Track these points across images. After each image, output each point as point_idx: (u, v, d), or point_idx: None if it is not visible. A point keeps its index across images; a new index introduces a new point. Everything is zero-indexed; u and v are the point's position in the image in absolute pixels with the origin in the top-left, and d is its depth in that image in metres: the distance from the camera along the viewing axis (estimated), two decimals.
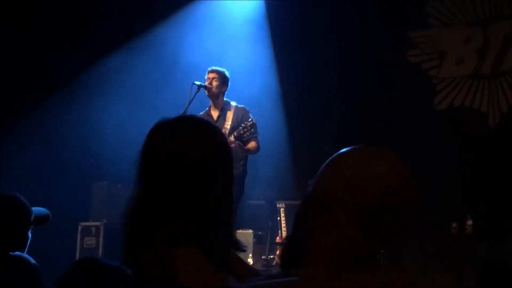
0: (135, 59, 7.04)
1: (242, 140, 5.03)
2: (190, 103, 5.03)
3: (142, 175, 1.49)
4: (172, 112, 1.66)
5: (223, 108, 5.25)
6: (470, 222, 5.99)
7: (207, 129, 1.56)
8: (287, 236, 1.30)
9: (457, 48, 6.75)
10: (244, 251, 1.56)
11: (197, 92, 5.09)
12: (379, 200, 1.18)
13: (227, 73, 5.26)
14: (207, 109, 5.35)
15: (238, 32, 6.97)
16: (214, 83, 5.17)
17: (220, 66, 5.32)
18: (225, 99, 5.31)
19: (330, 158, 1.28)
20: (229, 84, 5.27)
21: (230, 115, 5.19)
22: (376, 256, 1.20)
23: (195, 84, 5.13)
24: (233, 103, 5.31)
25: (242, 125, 4.96)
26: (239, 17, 7.02)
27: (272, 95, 7.06)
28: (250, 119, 5.02)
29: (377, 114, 6.61)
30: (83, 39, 6.93)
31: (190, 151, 1.47)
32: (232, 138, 4.89)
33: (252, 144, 5.13)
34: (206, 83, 5.17)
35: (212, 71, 5.22)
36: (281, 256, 1.29)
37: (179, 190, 1.45)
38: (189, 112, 4.87)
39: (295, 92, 7.06)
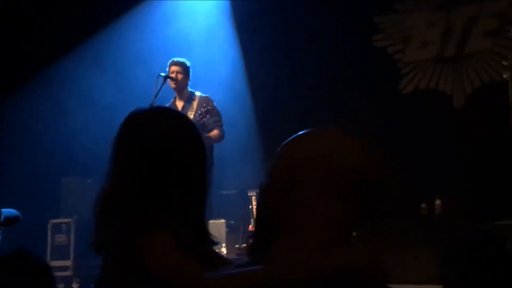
0: (100, 52, 7.01)
1: (206, 129, 5.06)
2: (156, 95, 5.03)
3: (116, 162, 1.53)
4: (138, 105, 1.69)
5: (188, 99, 5.28)
6: (438, 202, 6.13)
7: (180, 117, 1.62)
8: (252, 231, 1.30)
9: (421, 32, 6.84)
10: (215, 244, 1.60)
11: (163, 84, 5.10)
12: (347, 172, 1.19)
13: (188, 63, 5.28)
14: (172, 100, 5.36)
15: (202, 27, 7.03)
16: (179, 76, 5.19)
17: (182, 57, 5.35)
18: (189, 89, 5.33)
19: (286, 142, 1.28)
20: (190, 73, 5.30)
21: (194, 105, 5.22)
22: (348, 235, 1.21)
23: (161, 75, 5.13)
24: (197, 93, 5.34)
25: (199, 111, 4.99)
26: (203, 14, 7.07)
27: (239, 82, 7.09)
28: (205, 106, 5.04)
29: (344, 99, 6.67)
30: (51, 31, 6.87)
31: (165, 137, 1.53)
32: None
33: (214, 132, 5.17)
34: (172, 73, 5.19)
35: (175, 64, 5.23)
36: (249, 248, 1.29)
37: (153, 176, 1.48)
38: (155, 104, 4.88)
39: (262, 79, 7.08)
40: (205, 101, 5.24)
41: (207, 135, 5.06)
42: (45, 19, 6.87)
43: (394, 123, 6.50)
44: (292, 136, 1.29)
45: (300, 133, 1.29)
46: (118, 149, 1.54)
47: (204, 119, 4.99)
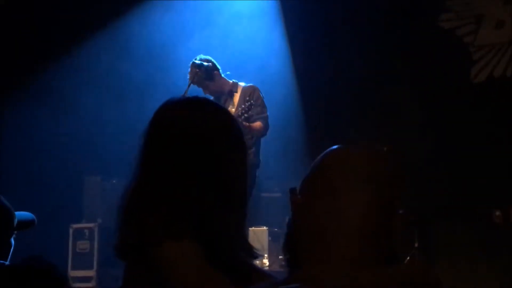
0: (125, 46, 7.17)
1: (248, 120, 5.03)
2: (190, 84, 5.04)
3: (145, 157, 1.51)
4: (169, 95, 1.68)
5: (230, 91, 5.26)
6: None
7: (218, 109, 1.59)
8: (287, 235, 1.32)
9: (497, 9, 6.71)
10: (256, 258, 1.58)
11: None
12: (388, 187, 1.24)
13: (205, 61, 5.20)
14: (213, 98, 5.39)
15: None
16: (206, 84, 5.13)
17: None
18: (232, 80, 5.30)
19: (320, 158, 1.34)
20: (216, 66, 5.23)
21: (236, 97, 5.21)
22: (387, 248, 1.23)
23: (195, 62, 5.16)
24: (241, 84, 5.33)
25: (242, 105, 4.97)
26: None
27: (287, 78, 7.11)
28: (249, 99, 5.01)
29: (405, 90, 6.59)
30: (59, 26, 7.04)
31: (201, 131, 1.50)
32: None
33: (256, 124, 5.13)
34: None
35: (190, 71, 5.16)
36: (287, 261, 1.31)
37: (185, 175, 1.46)
38: (189, 93, 4.92)
39: (311, 74, 7.08)
40: (248, 90, 5.22)
41: (248, 124, 5.00)
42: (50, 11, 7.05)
43: (464, 118, 6.39)
44: (330, 149, 1.35)
45: (331, 149, 1.35)
46: (148, 143, 1.52)
47: (246, 114, 4.96)
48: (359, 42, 6.91)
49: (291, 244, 1.29)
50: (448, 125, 6.34)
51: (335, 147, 1.35)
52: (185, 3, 7.19)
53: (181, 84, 5.25)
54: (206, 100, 1.62)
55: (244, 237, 1.57)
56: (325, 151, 1.34)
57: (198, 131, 1.50)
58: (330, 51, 7.05)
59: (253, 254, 1.59)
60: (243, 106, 4.97)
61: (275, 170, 6.65)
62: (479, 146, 6.26)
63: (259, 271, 1.70)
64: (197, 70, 5.11)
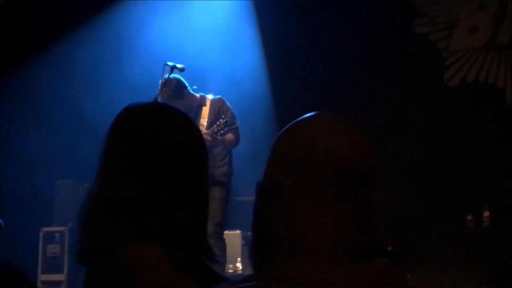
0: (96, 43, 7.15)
1: (219, 133, 5.12)
2: (157, 97, 5.06)
3: (105, 161, 1.53)
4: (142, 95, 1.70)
5: (198, 106, 5.32)
6: (487, 214, 6.07)
7: (181, 117, 1.61)
8: (252, 240, 1.29)
9: (470, 15, 6.80)
10: (216, 262, 1.60)
11: (169, 74, 5.11)
12: (349, 167, 1.20)
13: (174, 78, 5.19)
14: None
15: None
16: (176, 101, 5.11)
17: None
18: (199, 94, 5.35)
19: (281, 134, 1.30)
20: (184, 84, 5.25)
21: (206, 111, 5.29)
22: (361, 246, 1.20)
23: (167, 65, 5.15)
24: (209, 97, 5.39)
25: (217, 122, 5.05)
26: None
27: (259, 81, 7.13)
28: (223, 117, 5.10)
29: (378, 95, 6.63)
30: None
31: (161, 135, 1.52)
32: (206, 133, 4.97)
33: (228, 136, 5.23)
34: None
35: (160, 90, 5.13)
36: (252, 262, 1.29)
37: (146, 179, 1.48)
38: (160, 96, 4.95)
39: (285, 75, 7.10)
40: (217, 104, 5.30)
41: (221, 137, 5.12)
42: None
43: (437, 121, 6.47)
44: (287, 127, 1.30)
45: (295, 122, 1.30)
46: (108, 147, 1.54)
47: (222, 131, 5.05)
48: (334, 45, 6.94)
49: (257, 246, 1.28)
50: (421, 126, 6.39)
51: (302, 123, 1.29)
52: (158, 3, 7.19)
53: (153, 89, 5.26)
54: (165, 105, 1.65)
55: (204, 240, 1.59)
56: (288, 134, 1.29)
57: (157, 135, 1.53)
58: (303, 51, 7.07)
59: (213, 257, 1.61)
60: (218, 122, 5.05)
61: (247, 173, 6.66)
62: (452, 149, 6.33)
63: (219, 275, 1.72)
64: (166, 89, 5.16)
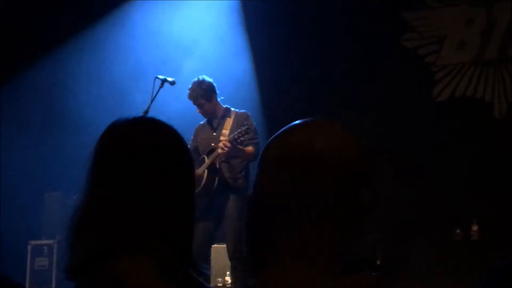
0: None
1: (241, 145, 5.14)
2: (153, 100, 5.07)
3: (92, 175, 1.56)
4: (134, 111, 1.73)
5: (223, 116, 5.35)
6: (475, 228, 6.10)
7: (166, 128, 1.65)
8: (246, 251, 1.30)
9: (458, 30, 6.83)
10: (203, 273, 1.62)
11: (160, 87, 5.13)
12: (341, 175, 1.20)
13: (207, 81, 5.32)
14: (204, 121, 5.46)
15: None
16: (202, 102, 5.25)
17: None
18: (225, 106, 5.40)
19: (271, 141, 1.29)
20: (214, 89, 5.35)
21: (229, 122, 5.32)
22: (347, 257, 1.22)
23: (158, 78, 5.17)
24: (234, 110, 5.42)
25: (238, 130, 5.06)
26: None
27: (250, 86, 7.15)
28: (245, 124, 5.16)
29: (368, 108, 6.65)
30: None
31: (147, 150, 1.56)
32: (226, 141, 5.00)
33: (249, 149, 5.22)
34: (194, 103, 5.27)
35: (191, 87, 5.28)
36: (245, 267, 1.31)
37: (132, 192, 1.51)
38: (152, 109, 4.96)
39: (274, 87, 7.14)
40: (242, 116, 5.34)
41: (240, 147, 5.12)
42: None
43: (426, 135, 6.48)
44: (274, 136, 1.30)
45: (282, 130, 1.30)
46: (95, 161, 1.58)
47: (242, 137, 5.08)
48: (323, 58, 6.96)
49: (250, 258, 1.29)
50: (410, 140, 6.41)
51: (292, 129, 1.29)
52: (153, 3, 7.21)
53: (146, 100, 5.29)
54: (153, 120, 1.68)
55: (189, 251, 1.61)
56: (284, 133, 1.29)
57: (145, 149, 1.56)
58: (291, 60, 7.09)
59: (200, 269, 1.63)
60: (239, 130, 5.09)
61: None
62: (440, 163, 6.36)
63: (204, 286, 1.75)
64: (197, 88, 5.22)
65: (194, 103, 5.36)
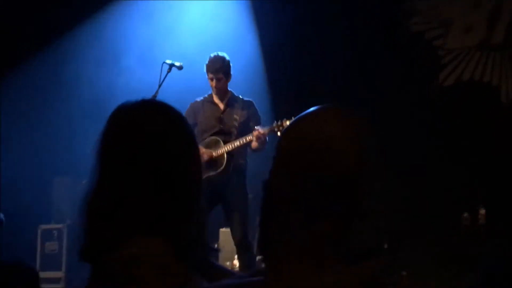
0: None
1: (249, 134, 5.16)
2: (160, 85, 5.07)
3: (102, 159, 1.58)
4: (141, 94, 1.74)
5: (230, 100, 5.33)
6: (483, 211, 6.11)
7: (172, 111, 1.67)
8: (260, 235, 1.32)
9: (465, 14, 6.81)
10: (214, 252, 1.64)
11: (168, 72, 5.13)
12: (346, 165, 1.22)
13: (227, 59, 5.27)
14: (206, 96, 5.41)
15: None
16: (221, 77, 5.23)
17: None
18: (229, 89, 5.39)
19: (284, 131, 1.31)
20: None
21: (238, 108, 5.28)
22: (348, 248, 1.24)
23: (165, 63, 5.18)
24: (239, 96, 5.40)
25: (268, 127, 5.08)
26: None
27: (258, 77, 7.17)
28: (251, 113, 5.22)
29: (372, 94, 6.64)
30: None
31: (155, 133, 1.58)
32: (261, 134, 5.01)
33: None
34: (211, 80, 5.24)
35: (214, 61, 5.22)
36: (258, 251, 1.33)
37: (141, 176, 1.53)
38: (160, 93, 4.95)
39: (280, 68, 7.14)
40: (247, 104, 5.33)
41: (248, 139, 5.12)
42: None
43: (432, 120, 6.48)
44: (290, 123, 1.32)
45: (297, 118, 1.31)
46: (105, 145, 1.59)
47: (250, 123, 5.13)
48: (329, 44, 6.96)
49: (263, 242, 1.31)
50: (416, 126, 6.41)
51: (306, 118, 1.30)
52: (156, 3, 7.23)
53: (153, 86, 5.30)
54: (160, 102, 1.69)
55: (202, 233, 1.64)
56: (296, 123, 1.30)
57: (153, 131, 1.58)
58: (300, 51, 7.09)
59: (210, 251, 1.66)
60: (269, 127, 5.09)
61: (248, 171, 6.68)
62: (448, 147, 6.36)
63: (222, 268, 1.77)
64: (221, 61, 5.23)
65: (213, 76, 5.24)
